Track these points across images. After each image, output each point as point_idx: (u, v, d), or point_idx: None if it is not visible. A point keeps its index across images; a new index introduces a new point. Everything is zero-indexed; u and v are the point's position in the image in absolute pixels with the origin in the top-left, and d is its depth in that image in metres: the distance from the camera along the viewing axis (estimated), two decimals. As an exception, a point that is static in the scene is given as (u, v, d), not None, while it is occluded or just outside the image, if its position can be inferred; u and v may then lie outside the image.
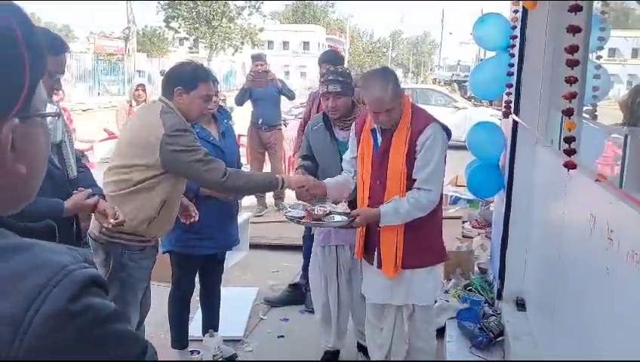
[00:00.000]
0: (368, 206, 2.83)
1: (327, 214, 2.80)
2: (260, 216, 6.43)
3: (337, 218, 2.78)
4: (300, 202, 2.93)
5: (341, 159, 3.20)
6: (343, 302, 3.44)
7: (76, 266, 0.63)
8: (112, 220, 2.40)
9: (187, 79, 2.71)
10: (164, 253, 3.25)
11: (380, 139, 2.82)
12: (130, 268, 2.70)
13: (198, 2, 36.99)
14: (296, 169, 3.40)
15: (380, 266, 2.87)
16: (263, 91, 6.40)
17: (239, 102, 6.59)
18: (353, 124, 3.04)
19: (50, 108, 0.79)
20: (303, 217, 2.82)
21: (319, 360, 3.53)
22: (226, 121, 3.39)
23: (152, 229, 2.71)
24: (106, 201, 2.49)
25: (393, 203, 2.71)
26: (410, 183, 2.75)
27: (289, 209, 2.93)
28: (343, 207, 2.86)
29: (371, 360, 3.11)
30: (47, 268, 0.61)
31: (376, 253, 2.88)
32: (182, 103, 2.70)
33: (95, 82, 28.67)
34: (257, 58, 6.62)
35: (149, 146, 2.58)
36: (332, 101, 3.19)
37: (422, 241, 2.83)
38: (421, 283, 2.89)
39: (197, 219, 3.04)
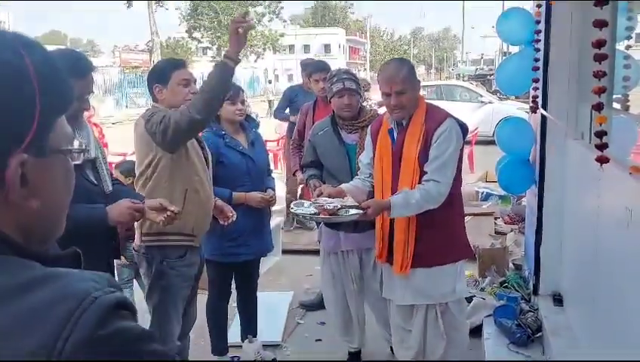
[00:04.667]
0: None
1: (339, 208, 2.72)
2: (289, 230, 6.34)
3: (352, 211, 2.71)
4: (305, 200, 2.89)
5: (350, 163, 3.22)
6: (359, 306, 3.48)
7: (101, 292, 0.64)
8: (171, 209, 2.38)
9: (160, 74, 2.78)
10: (200, 261, 3.32)
11: (396, 136, 2.84)
12: (170, 276, 2.74)
13: (219, 12, 37.42)
14: (307, 182, 3.39)
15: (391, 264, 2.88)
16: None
17: (278, 117, 6.56)
18: (369, 127, 3.04)
19: (76, 143, 0.78)
20: (319, 213, 2.73)
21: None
22: (254, 129, 3.44)
23: (185, 221, 2.71)
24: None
25: (403, 194, 2.69)
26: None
27: (295, 207, 2.85)
28: (349, 200, 2.80)
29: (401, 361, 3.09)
30: (73, 297, 0.62)
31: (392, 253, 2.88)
32: (164, 98, 2.76)
33: (122, 95, 29.23)
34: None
35: (142, 142, 2.70)
36: (348, 98, 3.22)
37: (441, 238, 2.81)
38: (446, 281, 2.88)
39: (235, 218, 3.03)
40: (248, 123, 3.42)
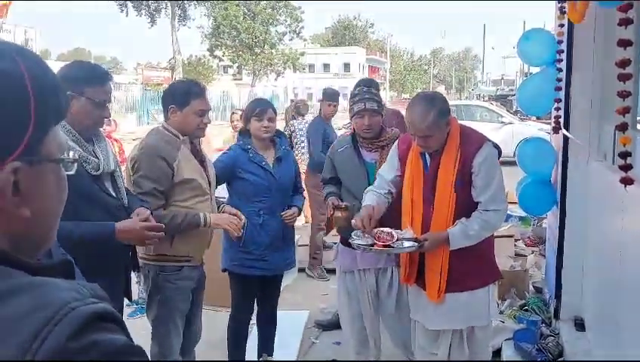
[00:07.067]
0: (414, 226, 2.80)
1: (395, 240, 2.71)
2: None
3: (407, 243, 2.70)
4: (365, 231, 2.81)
5: (369, 181, 3.18)
6: (374, 326, 3.43)
7: (80, 303, 0.61)
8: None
9: (179, 97, 2.77)
10: (222, 270, 3.33)
11: (429, 160, 2.80)
12: (166, 290, 2.74)
13: (241, 31, 37.96)
14: (325, 198, 3.34)
15: (425, 289, 2.84)
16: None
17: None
18: (396, 144, 3.02)
19: (71, 153, 0.77)
20: (374, 244, 2.72)
21: None
22: (284, 147, 3.42)
23: (180, 247, 2.73)
24: None
25: (460, 226, 2.68)
26: (460, 205, 2.72)
27: (354, 237, 2.80)
28: (409, 232, 2.78)
29: None
30: (48, 308, 0.60)
31: (424, 276, 2.84)
32: (176, 120, 2.76)
33: (144, 112, 29.62)
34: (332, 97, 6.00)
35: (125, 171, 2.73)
36: (368, 119, 3.19)
37: (473, 263, 2.78)
38: (479, 304, 2.84)
39: (243, 221, 3.01)
40: (280, 139, 3.41)
